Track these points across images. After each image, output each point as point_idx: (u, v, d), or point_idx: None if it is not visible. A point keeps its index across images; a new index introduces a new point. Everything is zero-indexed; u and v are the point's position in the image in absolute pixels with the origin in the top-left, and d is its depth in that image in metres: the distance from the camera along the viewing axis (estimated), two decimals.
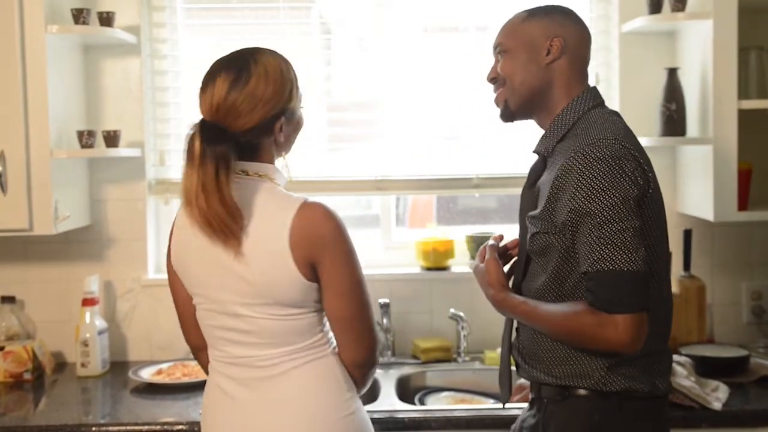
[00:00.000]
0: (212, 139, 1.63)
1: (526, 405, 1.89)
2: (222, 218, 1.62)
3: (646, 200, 1.66)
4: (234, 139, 1.66)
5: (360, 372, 1.78)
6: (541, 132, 1.85)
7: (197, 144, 1.63)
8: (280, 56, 1.76)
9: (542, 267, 1.75)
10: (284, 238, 1.65)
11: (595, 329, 1.60)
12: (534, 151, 1.86)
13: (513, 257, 1.92)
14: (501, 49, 1.84)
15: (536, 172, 1.83)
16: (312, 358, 1.73)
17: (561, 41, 1.77)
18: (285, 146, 1.80)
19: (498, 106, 1.87)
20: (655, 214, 1.70)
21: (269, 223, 1.67)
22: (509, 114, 1.86)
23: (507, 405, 1.95)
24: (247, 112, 1.67)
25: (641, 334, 1.59)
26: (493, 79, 1.86)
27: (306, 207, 1.68)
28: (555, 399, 1.75)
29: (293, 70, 1.77)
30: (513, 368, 1.89)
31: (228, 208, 1.62)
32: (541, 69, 1.79)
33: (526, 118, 1.87)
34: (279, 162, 1.80)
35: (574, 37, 1.80)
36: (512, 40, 1.82)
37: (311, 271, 1.69)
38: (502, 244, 1.90)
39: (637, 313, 1.58)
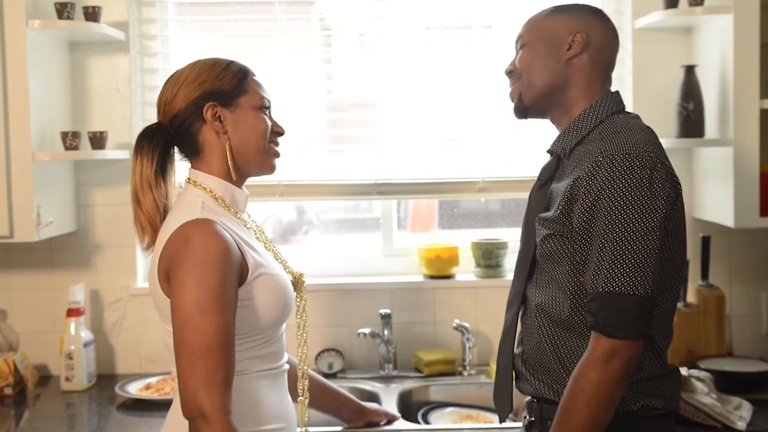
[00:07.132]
0: (145, 134, 1.67)
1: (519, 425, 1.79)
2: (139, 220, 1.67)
3: (673, 212, 1.59)
4: (167, 131, 1.67)
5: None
6: (555, 132, 1.77)
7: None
8: (229, 60, 1.72)
9: (551, 275, 1.66)
10: (158, 250, 1.60)
11: (596, 371, 1.52)
12: (548, 151, 1.78)
13: None
14: (522, 42, 1.78)
15: (548, 172, 1.76)
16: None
17: (583, 36, 1.71)
18: (241, 145, 1.68)
19: (512, 100, 1.80)
20: (679, 223, 1.63)
21: (161, 235, 1.62)
22: (523, 109, 1.78)
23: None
24: (172, 97, 1.67)
25: (632, 361, 1.53)
26: (510, 72, 1.81)
27: (185, 224, 1.56)
28: None
29: (242, 72, 1.70)
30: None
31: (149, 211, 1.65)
32: (560, 64, 1.72)
33: (540, 116, 1.80)
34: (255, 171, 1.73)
35: (599, 35, 1.73)
36: (533, 33, 1.76)
37: (168, 285, 1.57)
38: None
39: (636, 340, 1.52)
